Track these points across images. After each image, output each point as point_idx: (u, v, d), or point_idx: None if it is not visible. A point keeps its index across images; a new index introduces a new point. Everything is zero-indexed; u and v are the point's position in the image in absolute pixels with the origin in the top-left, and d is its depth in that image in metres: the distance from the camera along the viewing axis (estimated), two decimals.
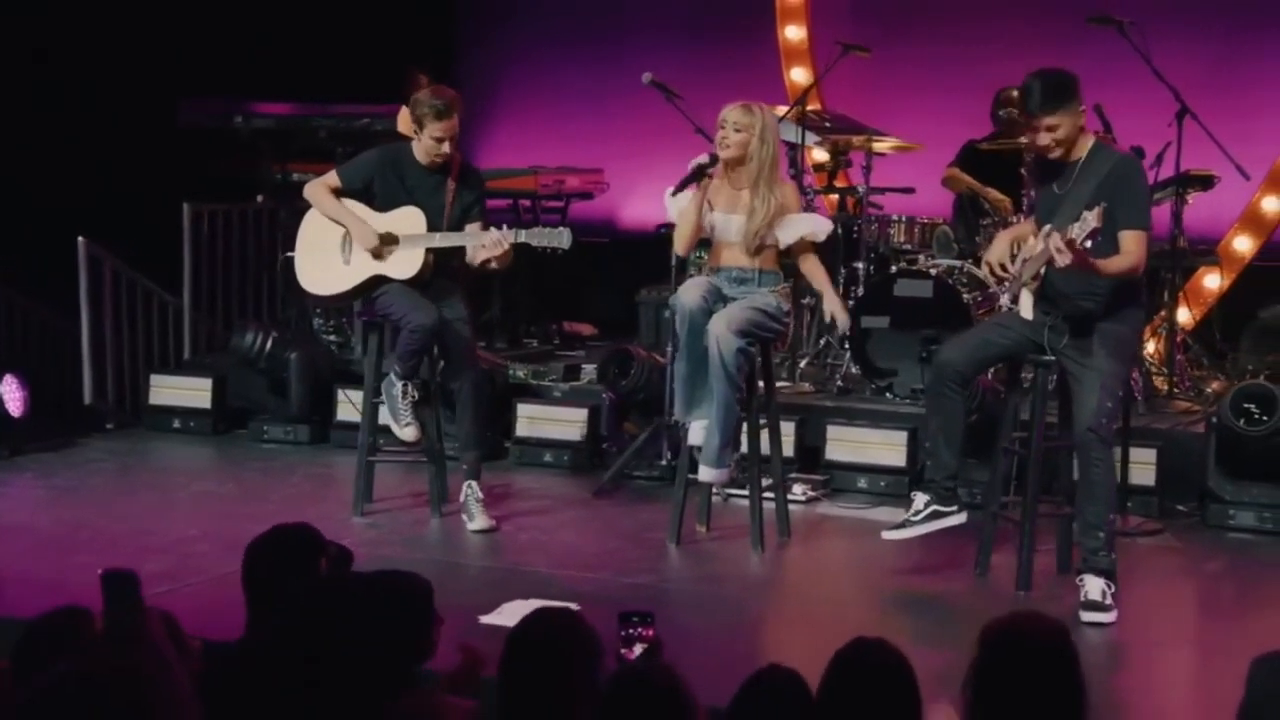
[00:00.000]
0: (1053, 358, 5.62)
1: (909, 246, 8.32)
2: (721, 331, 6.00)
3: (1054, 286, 5.55)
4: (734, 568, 6.12)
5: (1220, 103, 8.46)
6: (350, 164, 6.88)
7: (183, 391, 8.69)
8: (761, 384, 6.39)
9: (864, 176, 8.37)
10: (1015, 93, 8.61)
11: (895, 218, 8.41)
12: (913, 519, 5.78)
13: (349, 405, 8.25)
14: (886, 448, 7.38)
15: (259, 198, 9.14)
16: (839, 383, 8.07)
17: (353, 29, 10.25)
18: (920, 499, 5.79)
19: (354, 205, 6.70)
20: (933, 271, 7.86)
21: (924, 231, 8.35)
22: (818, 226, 6.43)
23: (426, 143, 6.55)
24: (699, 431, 6.19)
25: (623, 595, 5.45)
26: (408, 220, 6.60)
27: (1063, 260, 5.23)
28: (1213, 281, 8.98)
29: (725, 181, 6.29)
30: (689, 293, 6.17)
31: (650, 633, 3.76)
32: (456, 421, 6.75)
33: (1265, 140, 8.99)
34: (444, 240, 6.56)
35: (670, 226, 6.72)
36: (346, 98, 9.16)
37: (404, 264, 6.58)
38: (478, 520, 6.56)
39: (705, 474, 6.18)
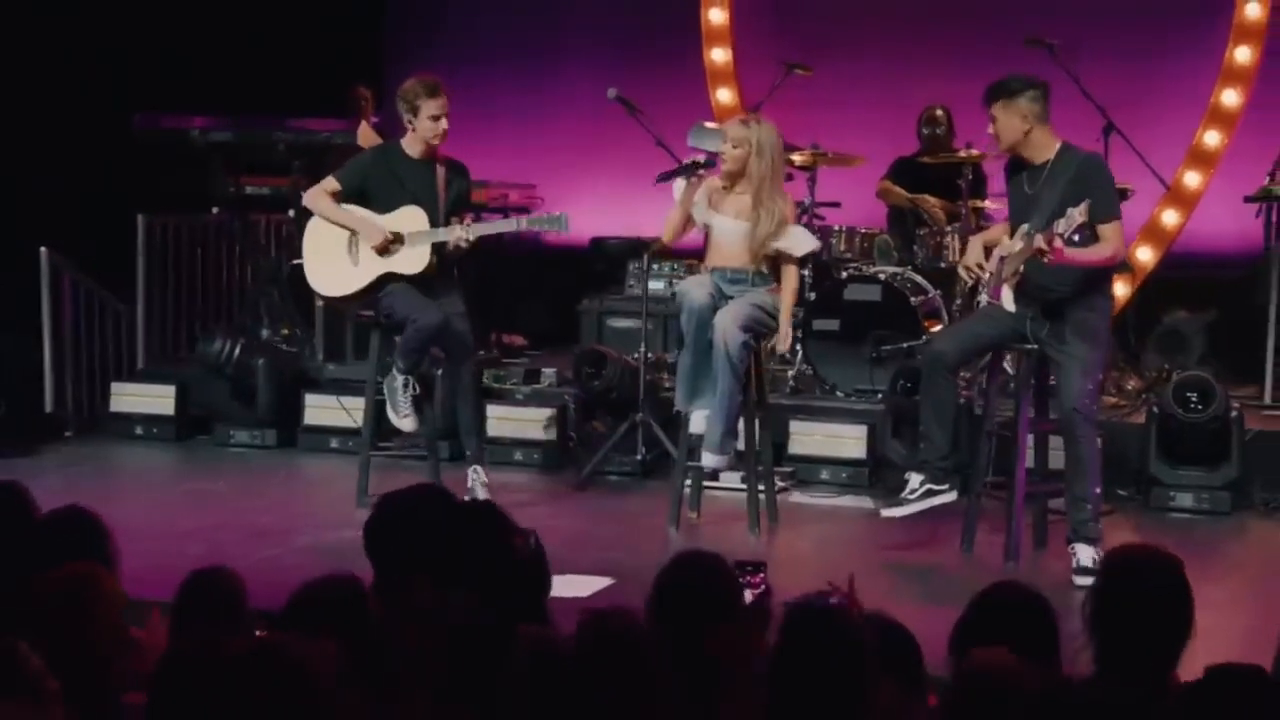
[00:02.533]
0: (1035, 346, 6.13)
1: (850, 255, 8.80)
2: (728, 326, 6.43)
3: (1032, 280, 6.06)
4: (738, 547, 6.48)
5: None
6: (345, 168, 7.18)
7: (144, 398, 8.84)
8: None
9: (809, 190, 8.83)
10: (939, 111, 9.28)
11: (837, 228, 8.89)
12: (908, 497, 6.24)
13: (316, 409, 8.53)
14: (847, 441, 7.84)
15: (214, 209, 9.31)
16: (791, 383, 8.52)
17: (280, 43, 10.38)
18: (915, 478, 6.25)
19: (355, 208, 7.01)
20: (881, 276, 8.36)
21: (863, 241, 8.84)
22: (812, 243, 6.96)
23: (424, 124, 6.88)
24: (700, 420, 6.61)
25: (649, 569, 5.79)
26: (411, 218, 6.93)
27: (1048, 258, 5.75)
28: (1122, 290, 9.60)
29: (728, 188, 6.71)
30: (696, 290, 6.59)
31: (760, 580, 4.12)
32: (458, 411, 7.08)
33: (1162, 160, 9.62)
34: (449, 234, 6.89)
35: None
36: (276, 111, 9.35)
37: (412, 261, 6.90)
38: None
39: (708, 460, 6.60)
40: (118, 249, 9.14)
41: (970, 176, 8.56)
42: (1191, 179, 9.75)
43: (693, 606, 3.55)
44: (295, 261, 8.06)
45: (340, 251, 7.01)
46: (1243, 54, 9.74)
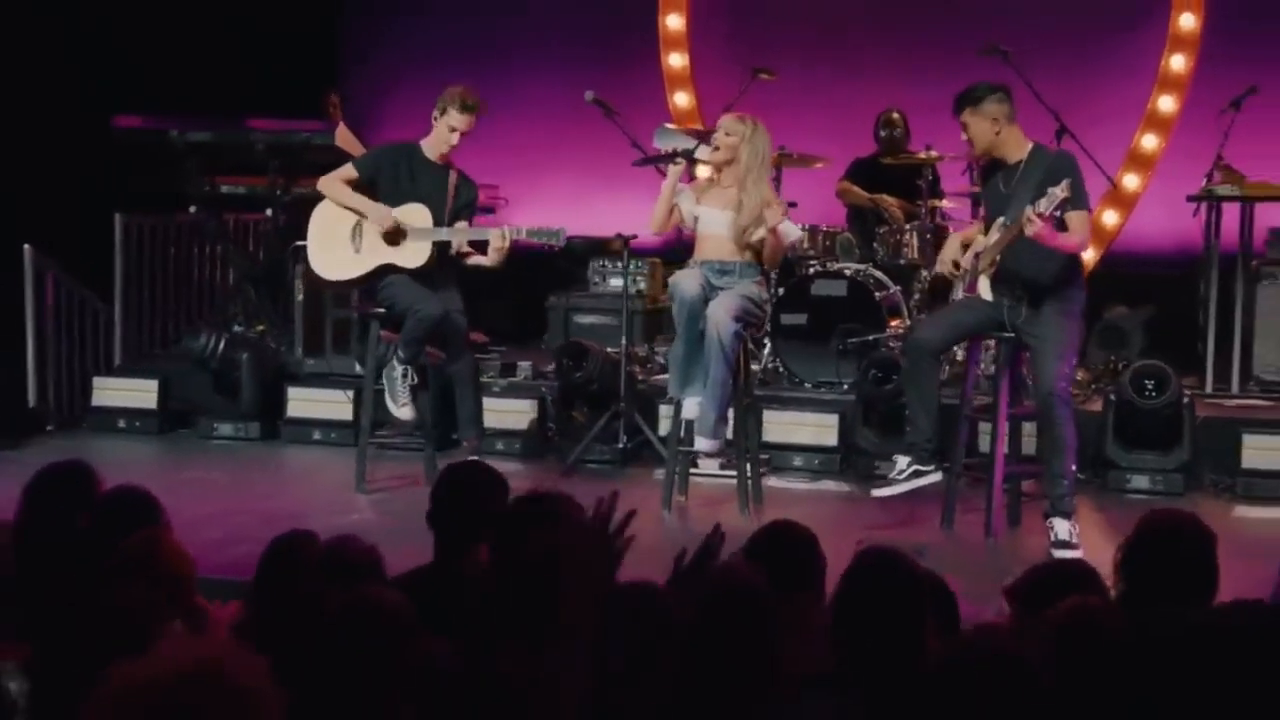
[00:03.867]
0: (1012, 334, 6.52)
1: (813, 252, 9.16)
2: (720, 317, 6.76)
3: (1011, 270, 6.45)
4: (734, 526, 6.81)
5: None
6: (362, 157, 7.57)
7: (127, 393, 9.04)
8: None
9: (776, 189, 9.15)
10: (895, 114, 9.68)
11: (802, 226, 9.23)
12: (897, 478, 6.60)
13: (299, 402, 8.77)
14: (819, 429, 8.19)
15: (191, 208, 9.50)
16: (759, 376, 8.86)
17: (231, 45, 10.56)
18: (902, 460, 6.61)
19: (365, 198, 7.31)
20: (847, 272, 8.73)
21: (826, 239, 9.20)
22: (796, 234, 7.35)
23: (441, 130, 7.21)
24: (693, 407, 6.93)
25: (645, 550, 6.12)
26: (416, 215, 7.23)
27: (1032, 229, 6.09)
28: None
29: (715, 181, 7.04)
30: (688, 282, 6.91)
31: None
32: (458, 402, 7.35)
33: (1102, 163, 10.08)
34: (451, 234, 7.18)
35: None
36: (234, 111, 9.57)
37: (413, 255, 7.19)
38: None
39: (701, 444, 6.92)
40: (96, 248, 9.30)
41: (930, 177, 8.95)
42: (1130, 181, 10.23)
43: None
44: (299, 243, 8.29)
45: (344, 238, 7.29)
46: (1177, 62, 10.25)
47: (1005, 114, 6.51)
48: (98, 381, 9.09)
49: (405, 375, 7.19)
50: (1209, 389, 8.74)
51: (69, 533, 4.38)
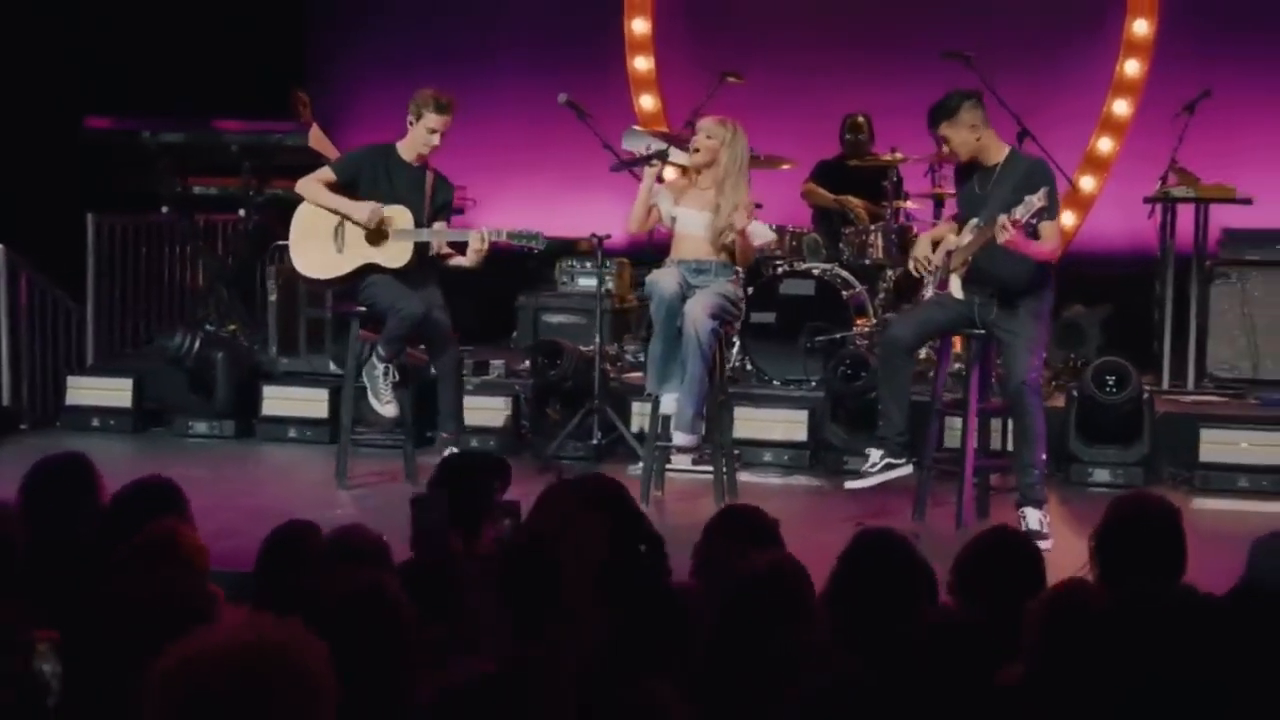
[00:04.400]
0: (983, 331, 6.71)
1: (780, 253, 9.33)
2: (698, 315, 6.92)
3: (985, 270, 6.64)
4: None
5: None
6: (340, 160, 7.66)
7: (101, 392, 9.11)
8: None
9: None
10: (860, 118, 9.87)
11: (770, 226, 9.41)
12: (870, 470, 6.78)
13: (273, 400, 8.88)
14: (789, 425, 8.37)
15: (164, 208, 9.58)
16: (728, 373, 9.01)
17: (198, 44, 10.62)
18: (875, 453, 6.78)
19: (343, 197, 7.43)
20: (815, 272, 8.91)
21: (793, 239, 9.38)
22: (768, 236, 7.50)
23: (419, 133, 7.32)
24: (671, 402, 7.09)
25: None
26: (398, 216, 7.35)
27: (1004, 237, 6.29)
28: None
29: (693, 183, 7.20)
30: (666, 281, 7.07)
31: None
32: (439, 397, 7.50)
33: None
34: (432, 235, 7.31)
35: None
36: (197, 113, 9.64)
37: (396, 254, 7.32)
38: None
39: (679, 439, 7.08)
40: (67, 248, 9.37)
41: (895, 179, 9.14)
42: (1087, 183, 10.47)
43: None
44: (280, 242, 8.40)
45: (326, 238, 7.40)
46: (1131, 67, 10.50)
47: (981, 118, 6.69)
48: (71, 381, 9.16)
49: (387, 373, 7.31)
50: (1165, 385, 8.97)
51: (76, 522, 4.50)
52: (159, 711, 2.50)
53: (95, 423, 9.03)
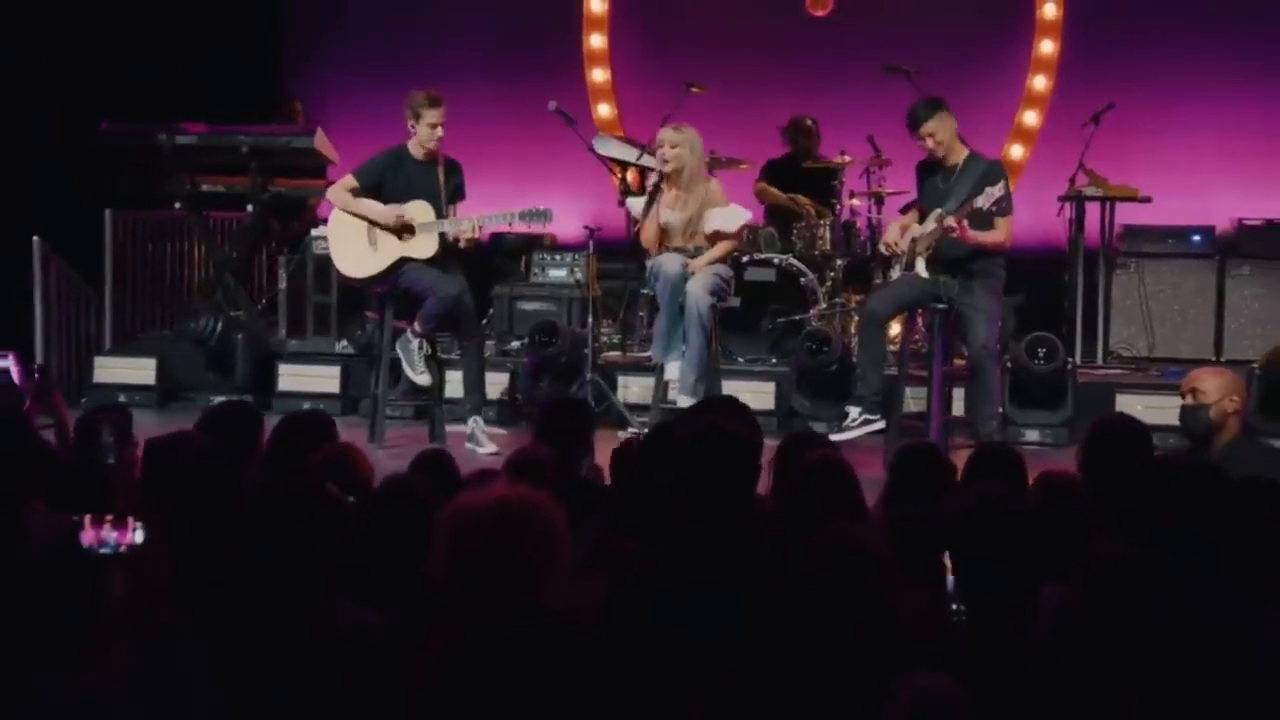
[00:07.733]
0: (946, 305, 7.86)
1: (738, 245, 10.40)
2: (698, 292, 8.03)
3: (947, 253, 7.80)
4: None
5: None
6: (362, 167, 8.53)
7: (127, 370, 9.98)
8: None
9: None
10: (809, 121, 10.97)
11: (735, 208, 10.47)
12: (850, 425, 7.88)
13: (288, 377, 9.82)
14: (758, 395, 9.40)
15: (176, 205, 10.43)
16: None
17: (168, 47, 11.24)
18: (854, 410, 7.90)
19: (369, 201, 8.37)
20: (775, 261, 10.02)
21: (749, 233, 10.43)
22: (729, 220, 8.53)
23: (423, 131, 8.27)
24: (675, 369, 8.18)
25: None
26: (420, 210, 8.32)
27: (952, 232, 7.46)
28: None
29: (672, 187, 8.30)
30: (670, 263, 8.20)
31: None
32: (463, 371, 8.49)
33: None
34: (451, 225, 8.29)
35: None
36: (177, 114, 10.47)
37: (424, 246, 8.29)
38: (487, 445, 8.26)
39: (684, 401, 8.15)
40: (87, 242, 10.21)
41: (842, 179, 10.30)
42: None
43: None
44: (317, 236, 9.36)
45: (361, 239, 8.35)
46: (1039, 82, 11.76)
47: (954, 117, 7.83)
48: (99, 360, 10.02)
49: (420, 346, 8.30)
50: (1078, 359, 10.20)
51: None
52: (443, 546, 3.46)
53: (122, 398, 9.82)
